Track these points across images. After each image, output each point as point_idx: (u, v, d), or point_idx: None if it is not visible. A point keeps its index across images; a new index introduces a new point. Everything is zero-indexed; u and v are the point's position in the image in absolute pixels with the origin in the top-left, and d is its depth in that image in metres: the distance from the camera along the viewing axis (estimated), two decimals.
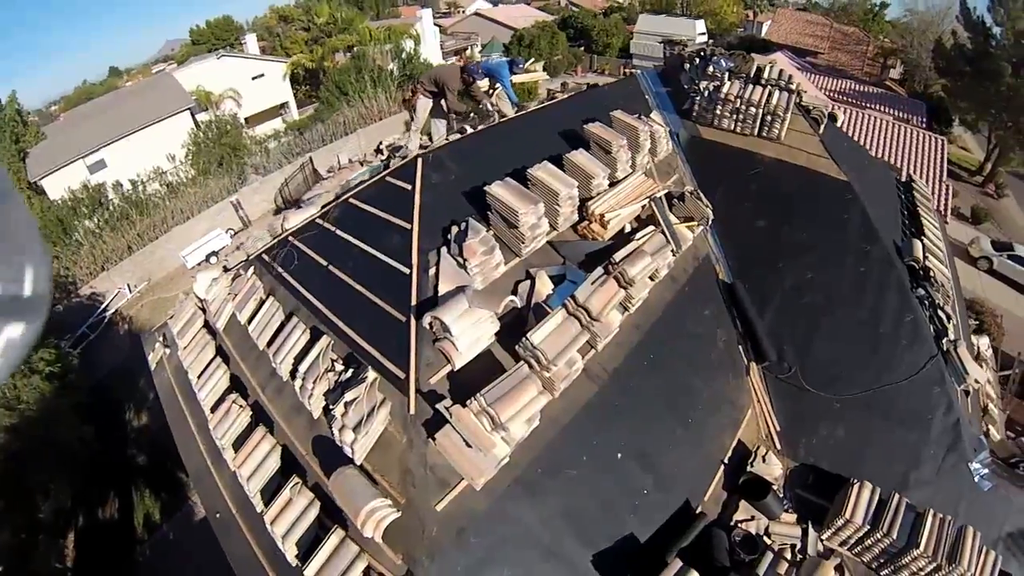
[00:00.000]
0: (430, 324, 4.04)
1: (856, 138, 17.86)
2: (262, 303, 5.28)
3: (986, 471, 4.81)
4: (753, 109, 6.76)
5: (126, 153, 23.89)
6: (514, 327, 4.38)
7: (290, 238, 5.84)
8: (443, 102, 7.64)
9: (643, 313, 5.05)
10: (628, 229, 5.55)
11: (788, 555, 4.43)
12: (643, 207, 5.65)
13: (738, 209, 6.43)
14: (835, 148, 6.67)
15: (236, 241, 18.58)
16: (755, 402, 5.49)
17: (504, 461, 3.64)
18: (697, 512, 4.49)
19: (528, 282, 4.81)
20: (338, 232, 5.49)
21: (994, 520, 4.70)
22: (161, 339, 6.29)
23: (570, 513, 3.98)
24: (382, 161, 8.81)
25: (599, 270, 4.45)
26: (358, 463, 3.76)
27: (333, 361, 4.40)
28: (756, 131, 6.85)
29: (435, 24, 37.07)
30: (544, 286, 4.78)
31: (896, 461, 4.90)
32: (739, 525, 4.58)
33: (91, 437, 11.52)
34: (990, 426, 5.75)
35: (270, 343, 4.85)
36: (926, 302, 5.58)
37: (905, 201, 7.64)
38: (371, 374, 4.04)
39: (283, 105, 33.10)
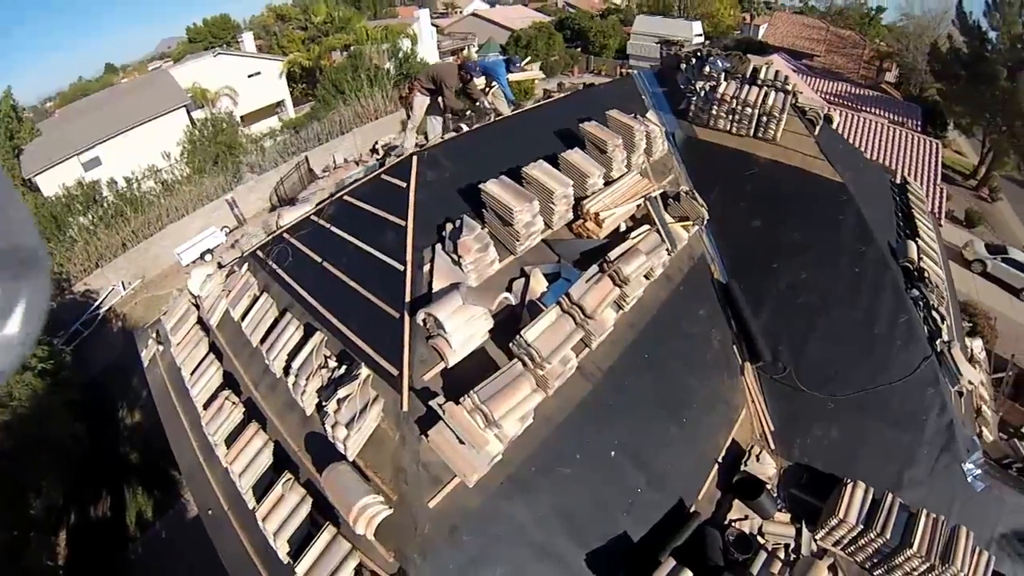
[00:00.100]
0: (424, 321, 4.03)
1: (851, 140, 17.93)
2: (256, 300, 5.25)
3: (979, 472, 4.83)
4: (749, 110, 6.77)
5: (121, 150, 23.70)
6: (508, 324, 4.37)
7: (285, 235, 5.81)
8: (440, 100, 7.63)
9: (638, 312, 5.05)
10: (623, 228, 5.55)
11: (782, 555, 4.43)
12: (638, 206, 5.65)
13: (733, 209, 6.44)
14: (830, 150, 6.69)
15: (231, 239, 18.52)
16: (749, 402, 5.50)
17: (497, 459, 3.63)
18: (691, 511, 4.49)
19: (523, 280, 4.80)
20: (332, 229, 5.47)
21: (987, 520, 4.71)
22: (154, 336, 6.26)
23: (563, 511, 3.97)
24: (377, 160, 8.79)
25: (594, 268, 4.44)
26: (351, 459, 3.74)
27: (326, 358, 4.38)
28: (752, 132, 6.86)
29: (432, 24, 37.01)
30: (538, 284, 4.78)
31: (890, 461, 4.91)
32: (733, 524, 4.58)
33: (83, 434, 11.50)
34: (983, 427, 5.78)
35: (263, 340, 4.83)
36: (920, 303, 5.59)
37: (900, 203, 7.66)
38: (364, 371, 4.03)
39: (279, 103, 33.01)
